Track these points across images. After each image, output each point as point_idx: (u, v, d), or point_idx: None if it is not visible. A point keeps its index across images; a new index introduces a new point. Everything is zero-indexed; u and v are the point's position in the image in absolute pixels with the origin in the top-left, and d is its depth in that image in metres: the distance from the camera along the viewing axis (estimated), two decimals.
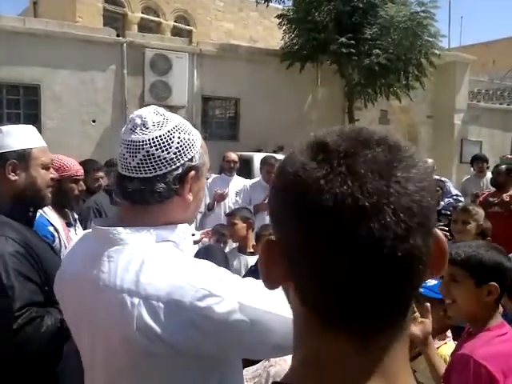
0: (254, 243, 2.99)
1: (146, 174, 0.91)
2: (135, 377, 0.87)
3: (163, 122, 0.94)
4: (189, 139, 0.96)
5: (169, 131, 0.93)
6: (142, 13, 15.12)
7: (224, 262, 1.95)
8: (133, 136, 0.92)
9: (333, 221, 0.39)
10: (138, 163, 0.91)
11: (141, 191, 0.92)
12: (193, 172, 0.95)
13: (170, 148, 0.92)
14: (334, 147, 0.43)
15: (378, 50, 9.94)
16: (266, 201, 4.34)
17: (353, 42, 9.88)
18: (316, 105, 12.09)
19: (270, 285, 0.48)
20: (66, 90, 9.26)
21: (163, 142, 0.91)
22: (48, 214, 2.15)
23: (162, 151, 0.91)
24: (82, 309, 0.93)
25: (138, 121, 0.93)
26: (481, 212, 3.11)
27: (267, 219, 4.31)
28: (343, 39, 9.85)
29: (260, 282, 0.94)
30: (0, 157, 1.44)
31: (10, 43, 8.61)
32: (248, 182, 4.96)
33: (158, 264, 0.87)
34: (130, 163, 0.92)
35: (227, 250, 3.35)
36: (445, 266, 0.47)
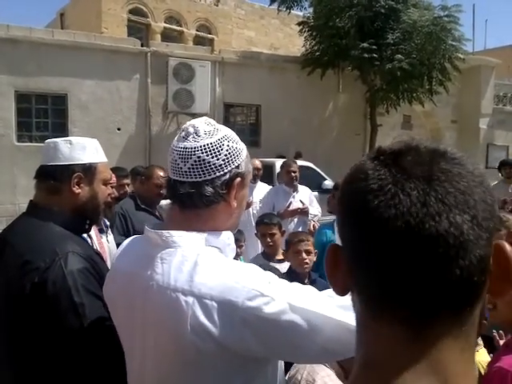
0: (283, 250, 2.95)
1: (196, 178, 0.96)
2: (186, 375, 0.89)
3: (213, 131, 1.00)
4: (236, 148, 1.02)
5: (219, 139, 0.99)
6: (165, 22, 15.38)
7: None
8: (185, 143, 0.98)
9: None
10: (189, 168, 0.96)
11: (190, 194, 0.96)
12: (239, 179, 1.00)
13: (220, 155, 0.97)
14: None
15: (400, 55, 9.86)
16: (290, 207, 4.37)
17: (375, 47, 9.83)
18: (337, 111, 12.05)
19: (336, 289, 0.51)
20: (92, 99, 9.49)
21: (214, 149, 0.97)
22: None
23: (212, 157, 0.96)
24: (134, 309, 0.96)
25: (191, 129, 1.00)
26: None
27: (291, 226, 4.31)
28: (365, 44, 9.82)
29: (307, 287, 0.93)
30: (67, 169, 1.43)
31: (39, 54, 8.89)
32: (271, 189, 4.96)
33: (211, 265, 0.91)
34: (181, 168, 0.97)
35: (242, 256, 3.35)
36: (508, 288, 0.44)
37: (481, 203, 0.43)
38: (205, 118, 1.04)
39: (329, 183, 8.18)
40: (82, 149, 1.46)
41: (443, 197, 0.42)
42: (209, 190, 0.96)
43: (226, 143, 1.00)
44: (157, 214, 3.36)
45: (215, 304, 0.85)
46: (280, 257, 2.92)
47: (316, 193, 6.09)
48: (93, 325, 1.25)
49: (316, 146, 10.99)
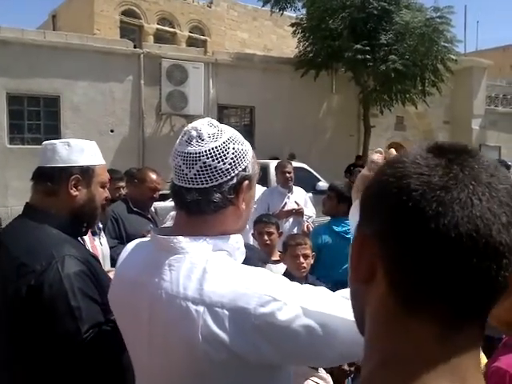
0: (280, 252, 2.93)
1: (202, 184, 0.93)
2: (197, 381, 0.87)
3: (218, 133, 0.96)
4: (242, 149, 0.98)
5: (224, 142, 0.95)
6: (158, 24, 15.35)
7: (262, 259, 1.96)
8: (189, 148, 0.94)
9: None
10: (194, 174, 0.92)
11: (198, 201, 0.93)
12: (246, 182, 0.97)
13: (226, 159, 0.94)
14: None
15: (393, 56, 9.91)
16: (285, 208, 4.36)
17: (368, 48, 9.87)
18: (331, 112, 12.08)
19: (357, 281, 0.49)
20: (84, 100, 9.44)
21: (219, 153, 0.93)
22: None
23: (219, 162, 0.93)
24: (140, 316, 0.93)
25: (194, 133, 0.96)
26: None
27: (285, 226, 4.29)
28: (358, 46, 9.85)
29: (319, 289, 0.90)
30: (65, 171, 1.41)
31: (31, 56, 8.82)
32: (265, 190, 4.95)
33: (220, 272, 0.88)
34: (186, 174, 0.93)
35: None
36: None
37: None
38: (208, 119, 1.00)
39: (323, 184, 8.18)
40: (80, 151, 1.44)
41: (504, 207, 0.42)
42: (216, 196, 0.93)
43: (231, 146, 0.96)
44: (149, 216, 3.34)
45: (226, 312, 0.83)
46: (276, 257, 2.90)
47: (310, 194, 6.09)
48: (89, 328, 1.24)
49: (310, 148, 11.00)
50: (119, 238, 3.06)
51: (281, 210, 4.29)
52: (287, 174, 4.50)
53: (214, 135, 0.96)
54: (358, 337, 0.85)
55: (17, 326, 1.27)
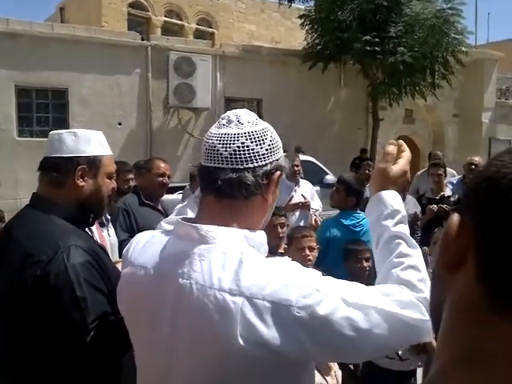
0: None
1: (237, 164, 0.90)
2: (227, 379, 0.83)
3: (256, 120, 0.96)
4: (278, 141, 0.98)
5: (263, 129, 0.95)
6: (165, 16, 15.30)
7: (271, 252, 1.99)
8: (227, 129, 0.93)
9: None
10: (230, 154, 0.91)
11: (230, 182, 0.90)
12: (279, 172, 0.96)
13: (264, 144, 0.93)
14: None
15: (403, 48, 9.79)
16: (292, 201, 4.35)
17: (377, 40, 9.76)
18: (339, 105, 12.00)
19: (443, 260, 0.46)
20: (92, 93, 9.45)
21: (258, 137, 0.93)
22: None
23: (257, 145, 0.92)
24: (162, 307, 0.89)
25: (233, 117, 0.95)
26: None
27: (292, 220, 4.29)
28: (367, 37, 9.75)
29: (355, 283, 0.89)
30: (71, 161, 1.40)
31: (39, 48, 8.84)
32: None
33: (257, 263, 0.85)
34: (221, 154, 0.91)
35: None
36: None
37: None
38: (245, 110, 0.99)
39: (330, 178, 8.15)
40: (87, 141, 1.43)
41: None
42: (250, 178, 0.90)
43: (269, 134, 0.96)
44: (160, 209, 3.34)
45: (268, 304, 0.79)
46: (282, 250, 2.90)
47: (318, 187, 6.07)
48: (95, 319, 1.23)
49: (317, 141, 10.95)
50: (130, 231, 3.04)
51: (287, 203, 4.28)
52: (295, 168, 4.49)
53: (253, 121, 0.95)
54: (399, 329, 0.82)
55: (23, 316, 1.27)
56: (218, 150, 0.91)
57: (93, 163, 1.43)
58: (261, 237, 0.94)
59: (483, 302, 0.41)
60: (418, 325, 0.85)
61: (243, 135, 0.92)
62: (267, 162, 0.93)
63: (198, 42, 11.24)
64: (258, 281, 0.81)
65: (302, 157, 8.41)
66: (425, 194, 4.94)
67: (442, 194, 4.77)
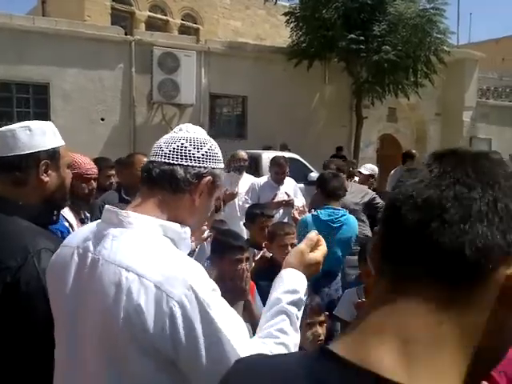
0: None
1: (173, 160, 1.03)
2: (113, 349, 0.89)
3: (203, 133, 1.11)
4: (217, 153, 1.09)
5: (205, 139, 1.09)
6: (150, 11, 15.14)
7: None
8: (175, 134, 1.08)
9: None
10: (170, 151, 1.04)
11: (163, 173, 1.02)
12: (210, 177, 1.05)
13: (201, 149, 1.06)
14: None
15: (387, 47, 9.88)
16: (275, 199, 4.37)
17: (362, 38, 9.83)
18: (324, 102, 12.06)
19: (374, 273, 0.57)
20: (74, 88, 9.32)
21: (197, 143, 1.06)
22: (64, 211, 2.15)
23: (194, 147, 1.05)
24: (69, 278, 0.97)
25: (184, 127, 1.10)
26: None
27: (276, 217, 4.30)
28: (352, 36, 9.81)
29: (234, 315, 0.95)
30: (32, 157, 1.33)
31: (20, 42, 8.67)
32: (256, 181, 4.95)
33: (160, 251, 0.93)
34: (162, 150, 1.05)
35: None
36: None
37: None
38: (198, 126, 1.13)
39: (315, 175, 8.17)
40: (42, 134, 1.36)
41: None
42: (181, 173, 1.02)
43: (209, 144, 1.08)
44: None
45: (153, 287, 0.86)
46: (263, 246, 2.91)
47: (302, 185, 6.10)
48: None
49: (302, 138, 10.99)
50: None
51: (271, 201, 4.30)
52: (281, 175, 4.52)
53: (200, 132, 1.10)
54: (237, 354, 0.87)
55: None
56: (160, 147, 1.06)
57: (53, 156, 1.37)
58: (182, 231, 1.01)
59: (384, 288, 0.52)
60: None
61: (185, 138, 1.06)
62: (201, 165, 1.04)
63: (183, 38, 11.16)
64: (153, 265, 0.89)
65: (287, 154, 8.44)
66: None
67: None
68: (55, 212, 1.43)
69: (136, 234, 0.95)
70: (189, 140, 1.05)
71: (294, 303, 1.04)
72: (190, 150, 1.04)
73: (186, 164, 1.03)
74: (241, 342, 0.90)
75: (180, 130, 1.09)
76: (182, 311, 0.85)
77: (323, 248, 1.16)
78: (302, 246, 1.14)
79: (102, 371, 0.91)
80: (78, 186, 2.27)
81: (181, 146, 1.04)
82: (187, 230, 1.03)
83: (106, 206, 1.04)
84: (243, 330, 0.93)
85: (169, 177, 1.02)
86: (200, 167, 1.04)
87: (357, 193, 4.11)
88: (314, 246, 1.14)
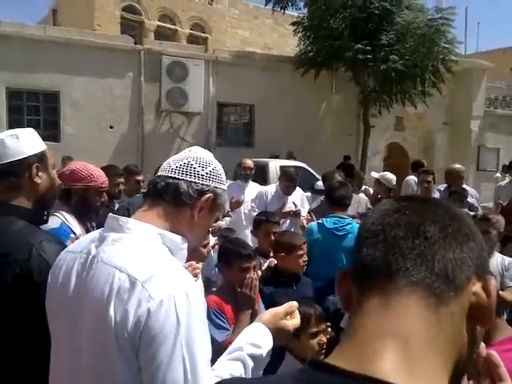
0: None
1: (178, 175, 1.10)
2: (106, 343, 0.91)
3: (209, 154, 1.18)
4: (221, 174, 1.15)
5: (211, 159, 1.15)
6: (159, 21, 15.33)
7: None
8: (184, 154, 1.16)
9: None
10: (177, 167, 1.11)
11: (167, 186, 1.08)
12: (211, 195, 1.11)
13: (206, 168, 1.12)
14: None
15: (394, 56, 9.89)
16: (283, 209, 4.36)
17: (369, 48, 9.86)
18: (331, 112, 12.08)
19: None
20: (84, 96, 9.43)
21: (203, 162, 1.13)
22: (70, 221, 2.16)
23: (199, 166, 1.12)
24: (70, 278, 1.02)
25: (193, 148, 1.18)
26: (501, 220, 3.12)
27: (283, 227, 4.30)
28: (359, 45, 9.85)
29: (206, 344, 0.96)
30: (24, 162, 1.44)
31: (31, 51, 8.81)
32: (265, 189, 4.95)
33: (154, 256, 0.97)
34: (170, 166, 1.12)
35: None
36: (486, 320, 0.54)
37: None
38: (207, 150, 1.20)
39: (321, 184, 8.18)
40: (28, 140, 1.47)
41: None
42: (184, 187, 1.08)
43: (214, 164, 1.15)
44: None
45: (140, 286, 0.90)
46: (272, 254, 2.92)
47: (309, 193, 6.10)
48: None
49: (309, 147, 11.01)
50: None
51: (279, 211, 4.30)
52: (291, 188, 4.52)
53: (207, 154, 1.17)
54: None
55: (4, 315, 1.28)
56: (169, 163, 1.13)
57: (41, 159, 1.48)
58: (179, 241, 1.05)
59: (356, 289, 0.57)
60: None
61: (192, 157, 1.13)
62: (204, 182, 1.11)
63: (191, 47, 11.27)
64: (145, 266, 0.93)
65: (294, 163, 8.44)
66: None
67: None
68: (45, 212, 1.52)
69: (134, 240, 0.99)
70: (195, 159, 1.12)
71: (253, 357, 1.07)
72: (195, 168, 1.10)
73: (189, 180, 1.09)
74: (196, 375, 0.90)
75: (189, 151, 1.16)
76: (151, 317, 0.87)
77: (297, 321, 1.21)
78: (281, 309, 1.19)
79: (93, 369, 0.94)
80: (93, 199, 2.29)
81: (187, 163, 1.11)
82: (184, 241, 1.06)
83: (110, 213, 1.08)
84: (205, 360, 0.94)
85: (173, 190, 1.07)
86: (203, 184, 1.10)
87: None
88: (291, 315, 1.20)
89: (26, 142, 1.45)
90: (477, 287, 0.53)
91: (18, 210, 1.41)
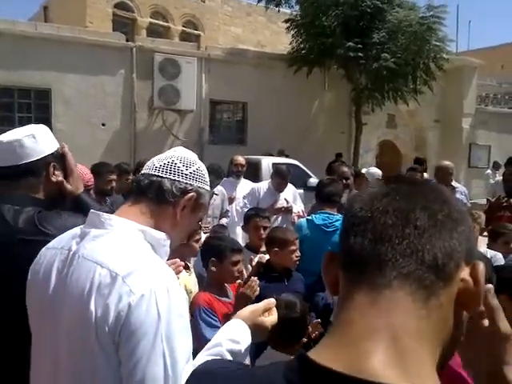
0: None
1: (162, 173, 1.10)
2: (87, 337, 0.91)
3: (194, 155, 1.19)
4: (205, 175, 1.16)
5: (195, 160, 1.16)
6: (151, 18, 15.26)
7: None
8: (169, 153, 1.16)
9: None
10: (160, 165, 1.11)
11: (151, 183, 1.09)
12: (194, 194, 1.11)
13: (189, 167, 1.13)
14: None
15: (386, 54, 9.95)
16: (275, 205, 4.39)
17: (360, 46, 9.90)
18: (323, 109, 12.12)
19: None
20: (76, 93, 9.38)
21: (187, 162, 1.14)
22: None
23: (183, 165, 1.13)
24: (51, 274, 1.01)
25: (178, 148, 1.19)
26: (482, 215, 3.45)
27: (274, 224, 4.32)
28: (351, 43, 9.89)
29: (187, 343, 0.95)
30: (42, 162, 1.44)
31: (22, 48, 8.74)
32: (257, 186, 4.97)
33: (135, 251, 0.97)
34: (154, 165, 1.12)
35: None
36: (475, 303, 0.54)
37: None
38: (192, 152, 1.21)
39: (314, 181, 8.19)
40: (45, 139, 1.48)
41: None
42: (167, 185, 1.08)
43: (198, 165, 1.15)
44: None
45: (120, 280, 0.90)
46: (263, 249, 2.95)
47: (301, 190, 6.12)
48: None
49: (302, 144, 11.04)
50: None
51: (271, 208, 4.32)
52: (283, 185, 4.54)
53: (192, 154, 1.18)
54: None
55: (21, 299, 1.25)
56: (153, 162, 1.14)
57: (58, 157, 1.50)
58: (162, 238, 1.05)
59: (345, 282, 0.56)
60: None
61: (176, 157, 1.14)
62: (187, 181, 1.11)
63: (184, 44, 11.24)
64: (126, 261, 0.93)
65: (286, 160, 8.46)
66: None
67: None
68: (57, 210, 1.50)
69: (116, 236, 0.99)
70: (180, 158, 1.13)
71: (232, 352, 1.07)
72: (179, 167, 1.11)
73: (173, 178, 1.10)
74: (176, 370, 0.90)
75: (174, 151, 1.17)
76: (137, 309, 0.87)
77: (274, 318, 1.23)
78: (260, 305, 1.21)
79: (73, 366, 0.94)
80: None
81: (172, 162, 1.12)
82: (167, 238, 1.06)
83: (91, 209, 1.08)
84: (186, 355, 0.93)
85: (156, 187, 1.08)
86: (186, 183, 1.11)
87: None
88: (269, 311, 1.22)
89: (43, 142, 1.45)
90: (465, 273, 0.53)
91: (35, 202, 1.40)
